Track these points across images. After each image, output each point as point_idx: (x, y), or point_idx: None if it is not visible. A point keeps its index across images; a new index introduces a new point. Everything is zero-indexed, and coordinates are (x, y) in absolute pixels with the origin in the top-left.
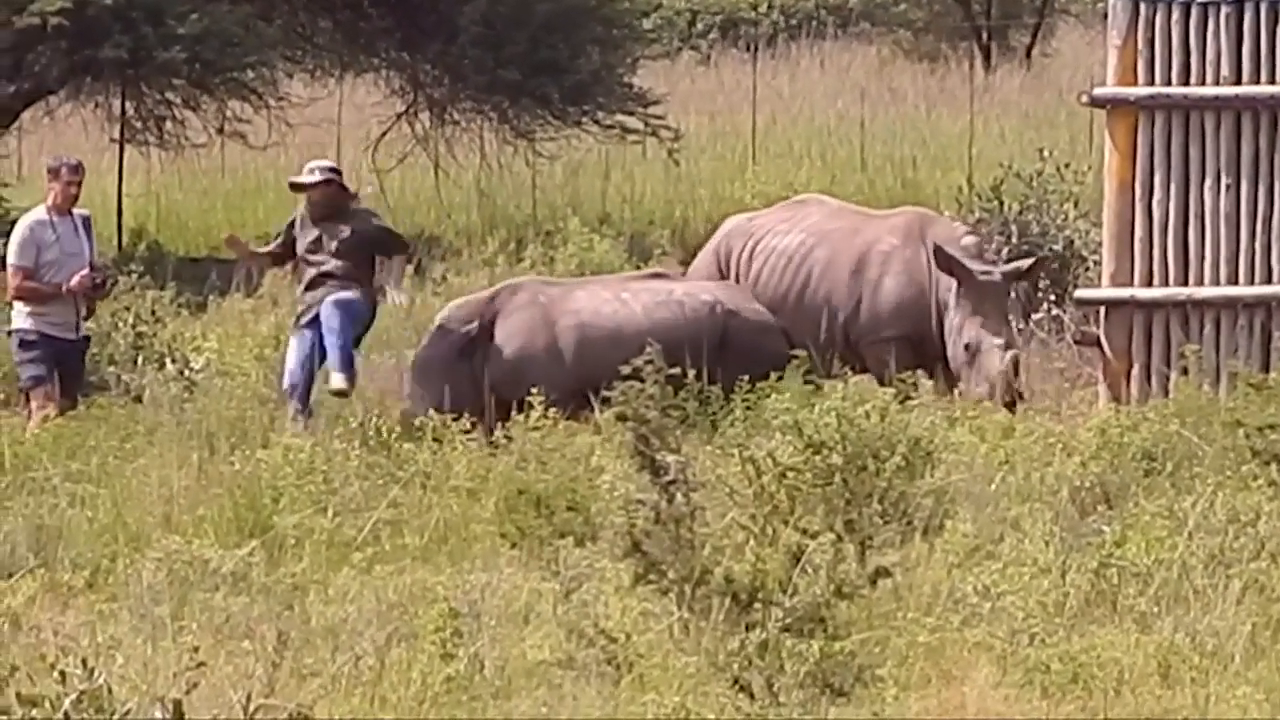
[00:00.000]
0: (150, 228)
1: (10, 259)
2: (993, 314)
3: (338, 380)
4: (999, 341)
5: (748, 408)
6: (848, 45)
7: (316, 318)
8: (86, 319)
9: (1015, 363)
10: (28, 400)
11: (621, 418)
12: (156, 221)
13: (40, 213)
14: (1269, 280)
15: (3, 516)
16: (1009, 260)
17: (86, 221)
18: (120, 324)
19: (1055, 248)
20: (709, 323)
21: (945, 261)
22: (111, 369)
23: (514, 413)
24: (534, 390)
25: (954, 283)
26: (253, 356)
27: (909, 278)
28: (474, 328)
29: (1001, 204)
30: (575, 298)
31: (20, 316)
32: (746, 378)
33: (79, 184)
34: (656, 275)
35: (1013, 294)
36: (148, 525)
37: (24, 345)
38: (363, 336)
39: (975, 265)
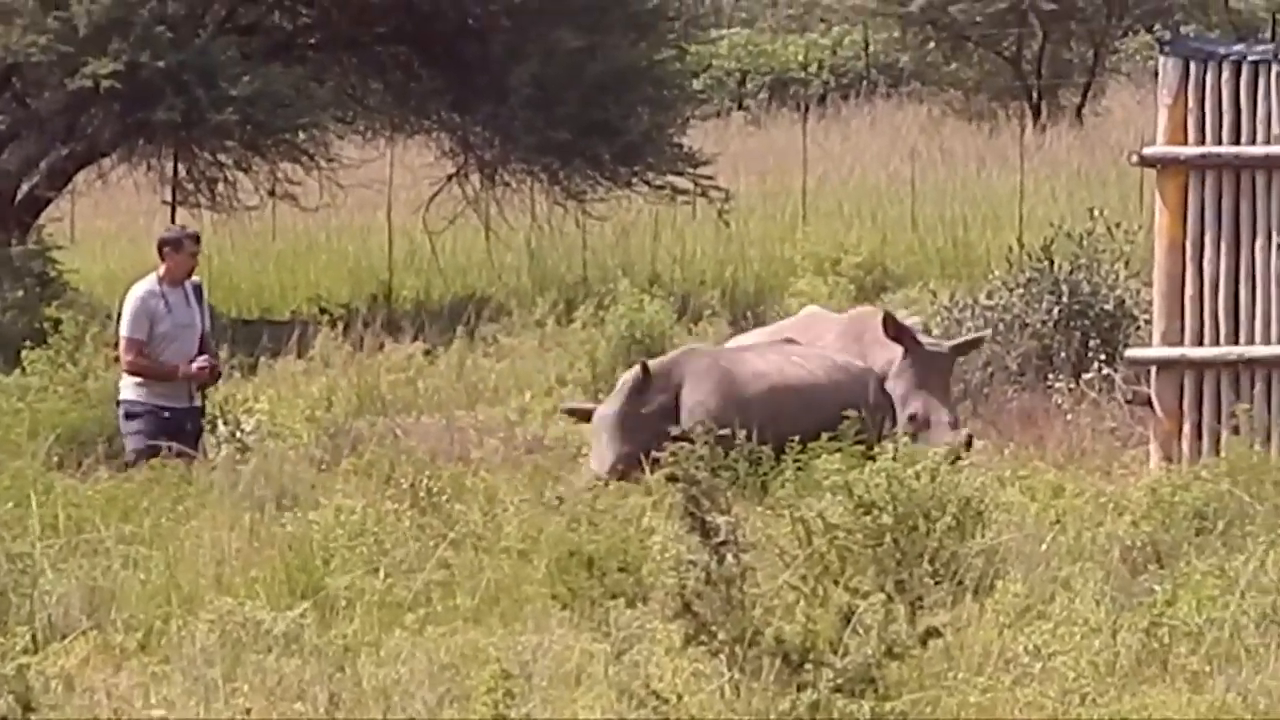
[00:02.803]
0: (202, 289)
1: (124, 331)
2: (937, 387)
3: None
4: (947, 418)
5: (798, 468)
6: (899, 105)
7: None
8: (200, 391)
9: (969, 442)
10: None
11: (672, 479)
12: (208, 283)
13: (151, 283)
14: None
15: (56, 578)
16: (1059, 322)
17: (198, 289)
18: None
19: (1106, 307)
20: (865, 383)
21: (894, 329)
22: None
23: None
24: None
25: (896, 355)
26: (304, 418)
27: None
28: (661, 393)
29: (1052, 263)
30: (757, 362)
31: (128, 388)
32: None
33: (194, 255)
34: (788, 340)
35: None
36: (200, 586)
37: (130, 416)
38: None
39: (923, 338)
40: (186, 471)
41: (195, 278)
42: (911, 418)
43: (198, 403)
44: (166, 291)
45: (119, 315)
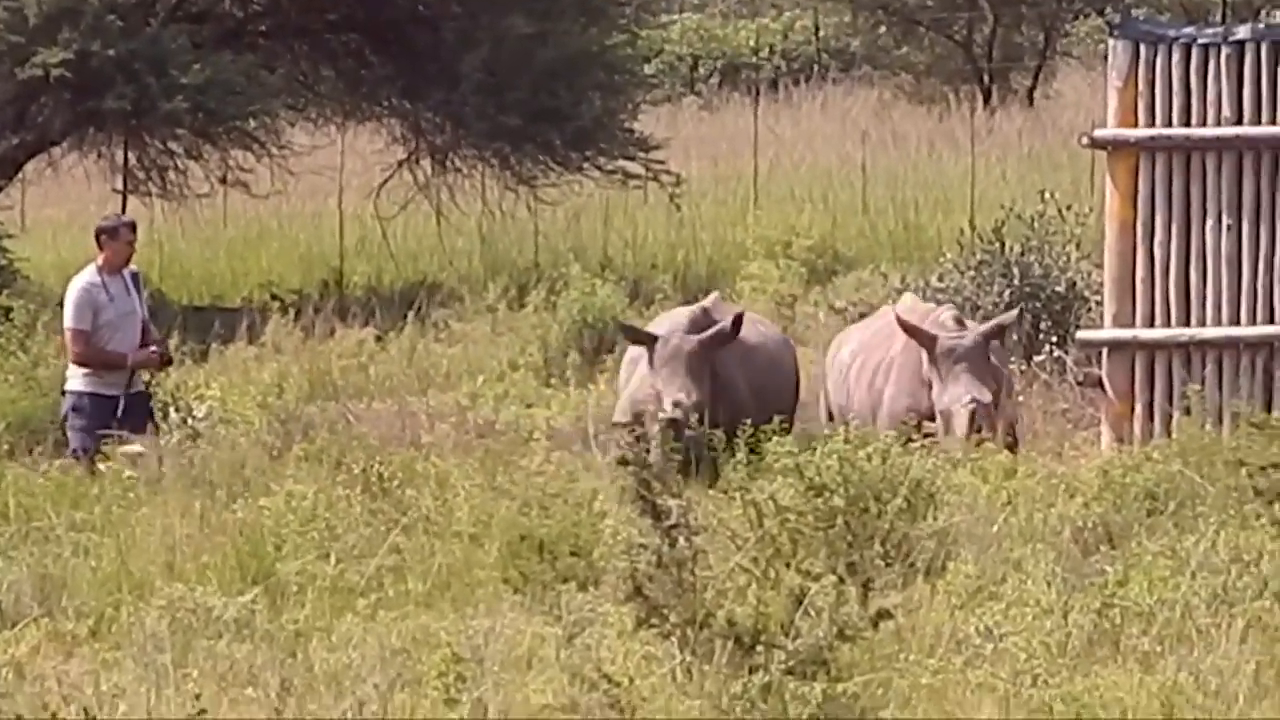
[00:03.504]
0: (153, 277)
1: (68, 323)
2: (961, 376)
3: None
4: (965, 399)
5: (751, 451)
6: (850, 89)
7: None
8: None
9: (972, 414)
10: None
11: (623, 462)
12: (159, 270)
13: (91, 274)
14: (1270, 320)
15: (7, 566)
16: (1011, 305)
17: (135, 278)
18: None
19: (1057, 289)
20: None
21: (907, 329)
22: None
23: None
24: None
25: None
26: (255, 404)
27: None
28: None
29: (1003, 246)
30: (751, 333)
31: (75, 378)
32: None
33: (131, 244)
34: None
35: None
36: (151, 573)
37: (76, 410)
38: None
39: (939, 331)
40: (146, 458)
41: (133, 266)
42: (941, 414)
43: (141, 387)
44: (107, 281)
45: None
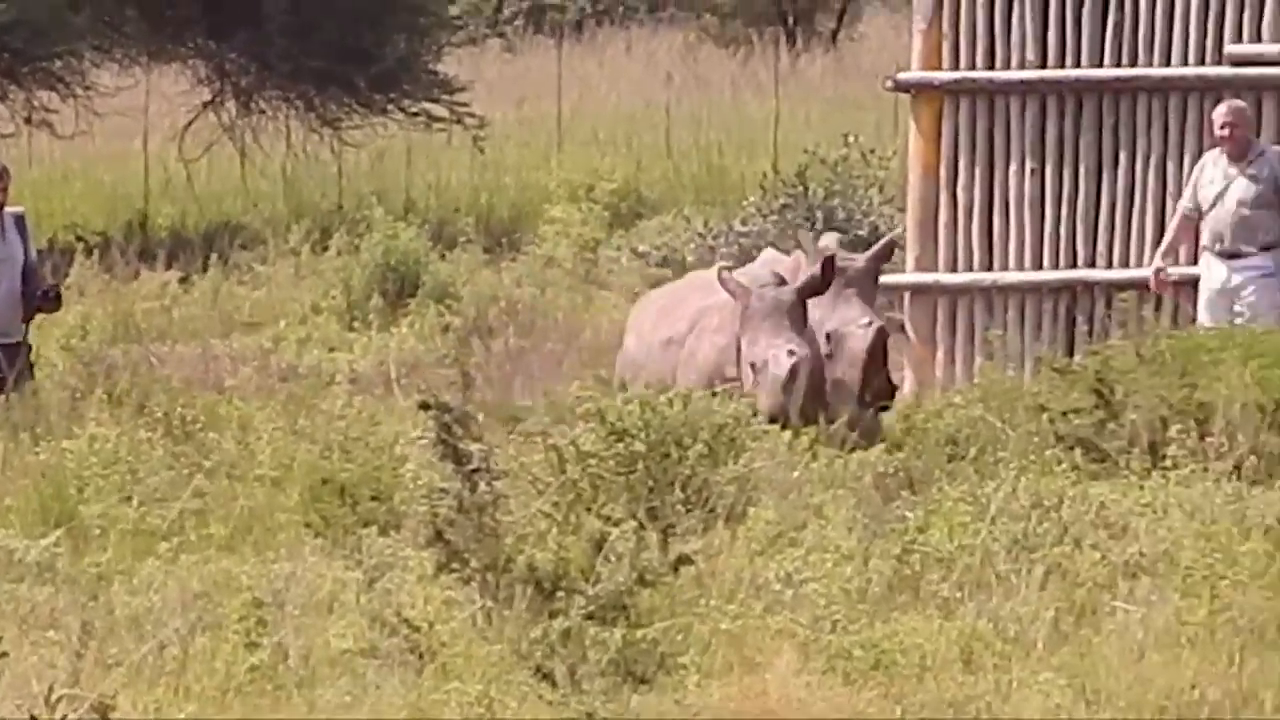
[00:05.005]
0: (24, 220)
1: None
2: (775, 328)
3: None
4: (786, 348)
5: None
6: (655, 30)
7: None
8: (26, 321)
9: (794, 368)
10: None
11: (424, 406)
12: None
13: None
14: (1073, 265)
15: None
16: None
17: (19, 221)
18: None
19: (860, 233)
20: None
21: (726, 284)
22: None
23: None
24: None
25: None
26: (59, 346)
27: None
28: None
29: (806, 190)
30: None
31: None
32: None
33: (4, 189)
34: None
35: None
36: None
37: None
38: None
39: (755, 287)
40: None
41: (18, 208)
42: (752, 366)
43: (24, 338)
44: None
45: None
